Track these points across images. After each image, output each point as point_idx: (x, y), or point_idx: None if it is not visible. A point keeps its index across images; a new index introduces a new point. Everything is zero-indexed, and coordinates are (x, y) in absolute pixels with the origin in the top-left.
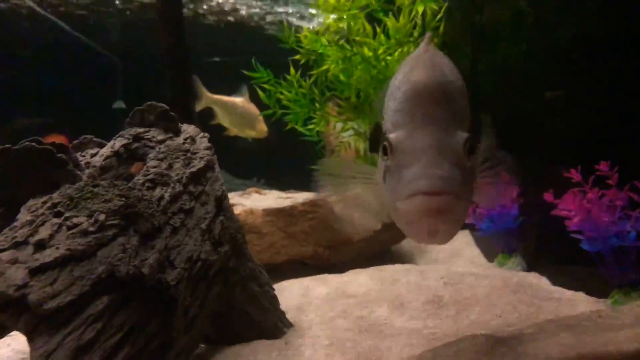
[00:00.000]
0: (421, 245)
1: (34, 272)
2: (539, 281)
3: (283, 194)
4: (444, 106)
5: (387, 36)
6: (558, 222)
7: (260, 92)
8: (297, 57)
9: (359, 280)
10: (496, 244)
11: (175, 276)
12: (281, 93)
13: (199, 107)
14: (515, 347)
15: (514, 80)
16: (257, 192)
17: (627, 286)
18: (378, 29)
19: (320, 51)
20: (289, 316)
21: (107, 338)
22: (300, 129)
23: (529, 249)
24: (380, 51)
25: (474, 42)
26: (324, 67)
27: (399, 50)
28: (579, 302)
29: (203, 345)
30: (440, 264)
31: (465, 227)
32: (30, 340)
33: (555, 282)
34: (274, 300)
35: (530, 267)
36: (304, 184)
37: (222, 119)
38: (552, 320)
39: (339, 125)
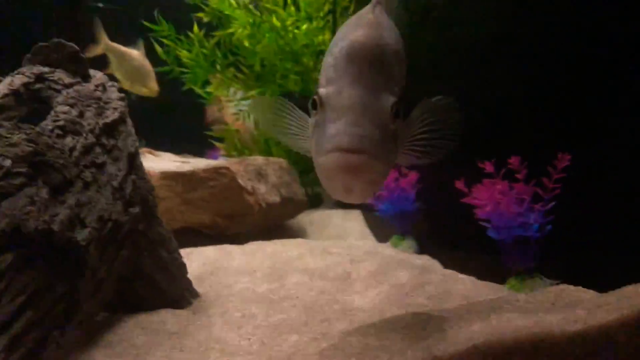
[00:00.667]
0: (313, 221)
1: None
2: (432, 264)
3: (178, 158)
4: (376, 68)
5: (297, 8)
6: (451, 208)
7: (157, 47)
8: (201, 14)
9: (265, 252)
10: (391, 225)
11: (85, 236)
12: (181, 51)
13: (95, 52)
14: (445, 330)
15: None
16: (150, 152)
17: (524, 274)
18: (289, 0)
19: (227, 12)
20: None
21: (8, 301)
22: (199, 91)
23: (421, 232)
24: (289, 22)
25: None
26: (230, 30)
27: (307, 24)
28: (481, 287)
29: (104, 313)
30: (335, 238)
31: (357, 208)
32: None
33: (445, 266)
34: (182, 267)
35: (421, 250)
36: (194, 149)
37: (116, 69)
38: (474, 303)
39: (237, 94)
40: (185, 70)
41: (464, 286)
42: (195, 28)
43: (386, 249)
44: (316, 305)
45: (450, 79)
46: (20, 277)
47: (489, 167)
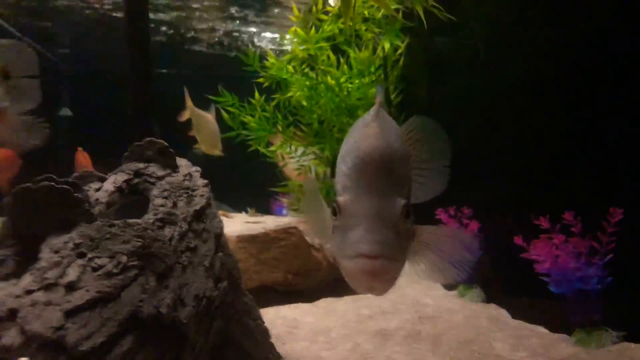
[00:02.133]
0: None
1: (69, 314)
2: (499, 312)
3: (250, 218)
4: (386, 175)
5: (350, 66)
6: (514, 255)
7: (224, 114)
8: (261, 80)
9: (337, 311)
10: None
11: (186, 314)
12: (245, 116)
13: (183, 117)
14: None
15: (467, 116)
16: (224, 214)
17: (589, 326)
18: (341, 60)
19: (285, 77)
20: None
21: None
22: (263, 151)
23: (486, 280)
24: (342, 80)
25: (430, 76)
26: (290, 94)
27: (360, 79)
28: (552, 341)
29: None
30: (401, 290)
31: None
32: None
33: (513, 314)
34: (266, 333)
35: (489, 298)
36: (258, 205)
37: (196, 132)
38: None
39: (298, 150)
40: (248, 132)
41: (537, 340)
42: (257, 95)
43: (453, 300)
44: None
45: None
46: (139, 355)
47: (544, 222)
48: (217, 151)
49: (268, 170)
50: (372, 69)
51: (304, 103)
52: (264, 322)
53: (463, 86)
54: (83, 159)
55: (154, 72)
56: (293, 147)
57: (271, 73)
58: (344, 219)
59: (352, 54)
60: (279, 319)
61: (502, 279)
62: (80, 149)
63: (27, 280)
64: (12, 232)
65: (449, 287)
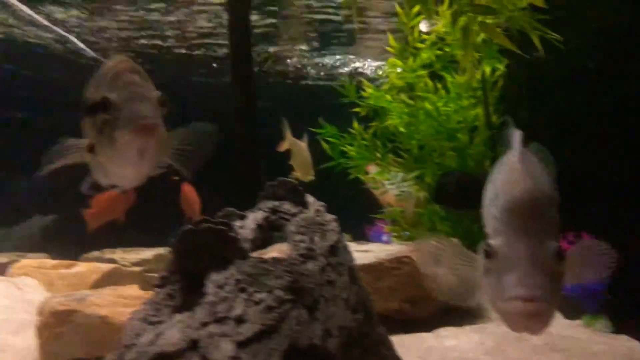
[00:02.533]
0: None
1: (240, 345)
2: (632, 344)
3: (357, 246)
4: (537, 219)
5: (447, 90)
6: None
7: (324, 144)
8: (358, 109)
9: (461, 340)
10: (580, 304)
11: (334, 345)
12: (344, 145)
13: (282, 147)
14: None
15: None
16: None
17: None
18: (439, 85)
19: (383, 105)
20: None
21: None
22: (364, 178)
23: (616, 310)
24: (440, 104)
25: (532, 96)
26: (389, 122)
27: (458, 102)
28: None
29: None
30: None
31: None
32: None
33: None
34: None
35: (617, 329)
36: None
37: (293, 160)
38: None
39: (398, 176)
40: (347, 161)
41: None
42: (355, 124)
43: (580, 330)
44: None
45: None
46: None
47: None
48: (310, 177)
49: (361, 197)
50: (471, 92)
51: (402, 129)
52: (396, 352)
53: (568, 103)
54: (190, 192)
55: (256, 107)
56: (393, 174)
57: (369, 102)
58: (498, 262)
59: (449, 79)
60: (403, 348)
61: (632, 308)
62: (178, 180)
63: (201, 313)
64: (179, 268)
65: (570, 316)
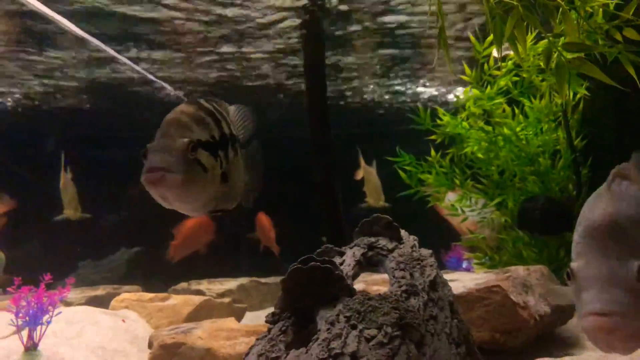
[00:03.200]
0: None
1: None
2: None
3: (446, 276)
4: (614, 240)
5: (525, 115)
6: None
7: (402, 174)
8: (434, 137)
9: None
10: None
11: None
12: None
13: (359, 176)
14: None
15: None
16: None
17: None
18: (516, 110)
19: (460, 133)
20: None
21: None
22: (443, 205)
23: None
24: (519, 129)
25: (618, 117)
26: (467, 150)
27: (537, 127)
28: None
29: None
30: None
31: None
32: None
33: None
34: None
35: None
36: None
37: (367, 187)
38: None
39: (479, 203)
40: (426, 189)
41: None
42: (433, 152)
43: None
44: None
45: None
46: None
47: None
48: (382, 203)
49: (436, 224)
50: (552, 117)
51: (481, 155)
52: None
53: None
54: (265, 221)
55: (332, 137)
56: (473, 200)
57: (445, 130)
58: (577, 282)
59: (527, 104)
60: None
61: None
62: (252, 209)
63: (316, 350)
64: (288, 305)
65: None
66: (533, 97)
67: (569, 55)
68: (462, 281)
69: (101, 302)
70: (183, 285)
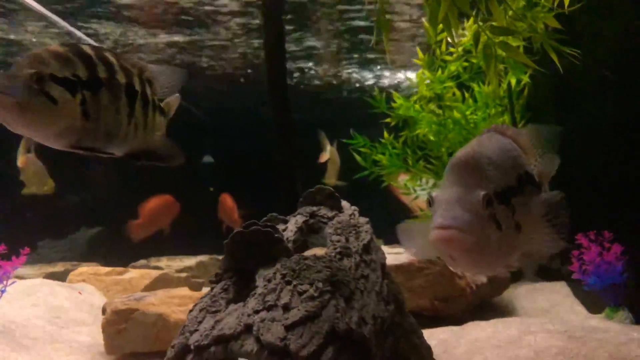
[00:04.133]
0: (519, 296)
1: (288, 328)
2: None
3: (390, 249)
4: (467, 174)
5: (474, 99)
6: None
7: (357, 157)
8: (389, 120)
9: (487, 332)
10: (601, 297)
11: (368, 330)
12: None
13: (323, 159)
14: None
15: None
16: None
17: None
18: (466, 94)
19: (413, 115)
20: None
21: None
22: (396, 184)
23: (634, 302)
24: (468, 113)
25: (558, 103)
26: (419, 131)
27: (486, 111)
28: None
29: None
30: (546, 313)
31: (559, 280)
32: None
33: None
34: (429, 350)
35: (637, 320)
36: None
37: (331, 168)
38: None
39: (429, 182)
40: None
41: None
42: (386, 134)
43: (601, 322)
44: None
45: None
46: None
47: None
48: (336, 181)
49: (390, 202)
50: (498, 101)
51: (432, 138)
52: (426, 341)
53: (593, 110)
54: (228, 201)
55: (294, 120)
56: (424, 180)
57: (398, 113)
58: (435, 207)
59: (476, 89)
60: (434, 340)
61: None
62: (213, 190)
63: (253, 303)
64: (231, 266)
65: (593, 310)
66: (482, 83)
67: (497, 39)
68: (407, 254)
69: (59, 278)
70: (142, 262)
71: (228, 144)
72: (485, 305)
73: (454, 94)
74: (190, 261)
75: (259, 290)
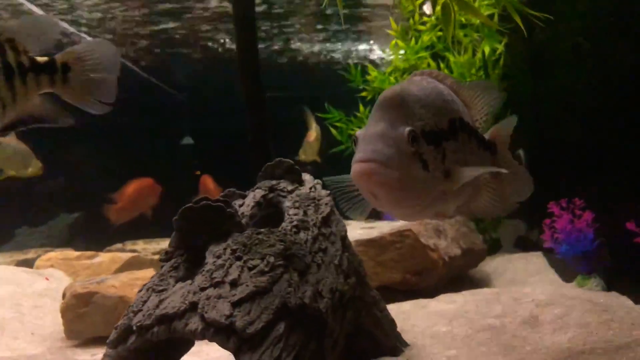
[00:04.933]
0: (495, 267)
1: (235, 304)
2: (621, 300)
3: (365, 224)
4: (393, 110)
5: (450, 70)
6: (630, 242)
7: (333, 130)
8: (364, 94)
9: (457, 302)
10: (574, 265)
11: (324, 304)
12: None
13: (312, 137)
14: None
15: (579, 105)
16: None
17: None
18: (442, 64)
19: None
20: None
21: (287, 355)
22: None
23: (606, 269)
24: None
25: (533, 72)
26: None
27: (462, 80)
28: None
29: None
30: (519, 283)
31: (537, 251)
32: (237, 357)
33: (636, 300)
34: (392, 323)
35: (609, 287)
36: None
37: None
38: None
39: None
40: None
41: None
42: (361, 107)
43: (572, 290)
44: (509, 347)
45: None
46: (291, 338)
47: None
48: (312, 157)
49: None
50: (473, 71)
51: None
52: (389, 314)
53: (567, 79)
54: (209, 182)
55: (266, 97)
56: None
57: (374, 86)
58: (358, 145)
59: (452, 59)
60: (402, 313)
61: (622, 267)
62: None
63: (199, 280)
64: (181, 243)
65: (567, 278)
66: (457, 53)
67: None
68: (380, 228)
69: (31, 265)
70: (118, 245)
71: (208, 124)
72: (460, 278)
73: (428, 65)
74: (167, 243)
75: (207, 267)
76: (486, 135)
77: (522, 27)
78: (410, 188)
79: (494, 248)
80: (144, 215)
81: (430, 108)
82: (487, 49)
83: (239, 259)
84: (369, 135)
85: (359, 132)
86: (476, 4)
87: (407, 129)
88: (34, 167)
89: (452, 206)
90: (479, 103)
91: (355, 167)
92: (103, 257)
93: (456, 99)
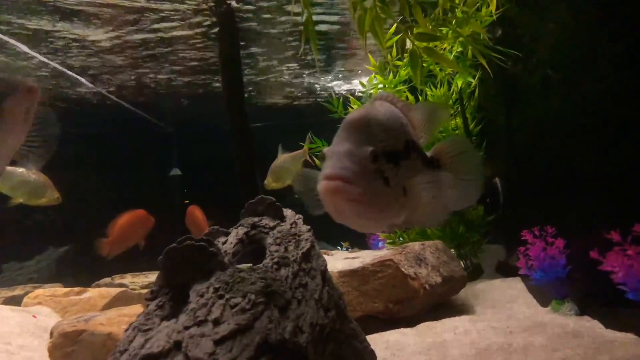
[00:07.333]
0: (476, 293)
1: (217, 342)
2: (592, 324)
3: (349, 254)
4: (357, 132)
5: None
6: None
7: (316, 160)
8: (336, 115)
9: (435, 332)
10: (549, 291)
11: (305, 339)
12: None
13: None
14: None
15: (550, 134)
16: (325, 253)
17: None
18: (420, 98)
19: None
20: None
21: None
22: None
23: (579, 294)
24: None
25: (507, 103)
26: None
27: None
28: (633, 344)
29: None
30: (498, 309)
31: (517, 276)
32: None
33: (607, 324)
34: (372, 354)
35: (582, 311)
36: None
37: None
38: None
39: None
40: None
41: (620, 348)
42: None
43: (546, 315)
44: None
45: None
46: None
47: (615, 236)
48: (275, 185)
49: None
50: (450, 102)
51: None
52: (369, 345)
53: (539, 109)
54: (197, 213)
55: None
56: None
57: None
58: (325, 163)
59: (429, 92)
60: (383, 343)
61: (593, 292)
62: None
63: (183, 319)
64: (166, 282)
65: (543, 303)
66: (433, 86)
67: (421, 45)
68: (363, 258)
69: (19, 302)
70: (106, 280)
71: (194, 155)
72: (441, 305)
73: (407, 98)
74: (155, 276)
75: (191, 306)
76: (430, 153)
77: (487, 68)
78: (373, 202)
79: (476, 273)
80: (136, 247)
81: (390, 131)
82: (459, 83)
83: (221, 297)
84: (337, 153)
85: (326, 150)
86: (450, 38)
87: (370, 148)
88: (49, 197)
89: (403, 218)
90: (423, 123)
91: (324, 183)
92: (91, 292)
93: (407, 120)
